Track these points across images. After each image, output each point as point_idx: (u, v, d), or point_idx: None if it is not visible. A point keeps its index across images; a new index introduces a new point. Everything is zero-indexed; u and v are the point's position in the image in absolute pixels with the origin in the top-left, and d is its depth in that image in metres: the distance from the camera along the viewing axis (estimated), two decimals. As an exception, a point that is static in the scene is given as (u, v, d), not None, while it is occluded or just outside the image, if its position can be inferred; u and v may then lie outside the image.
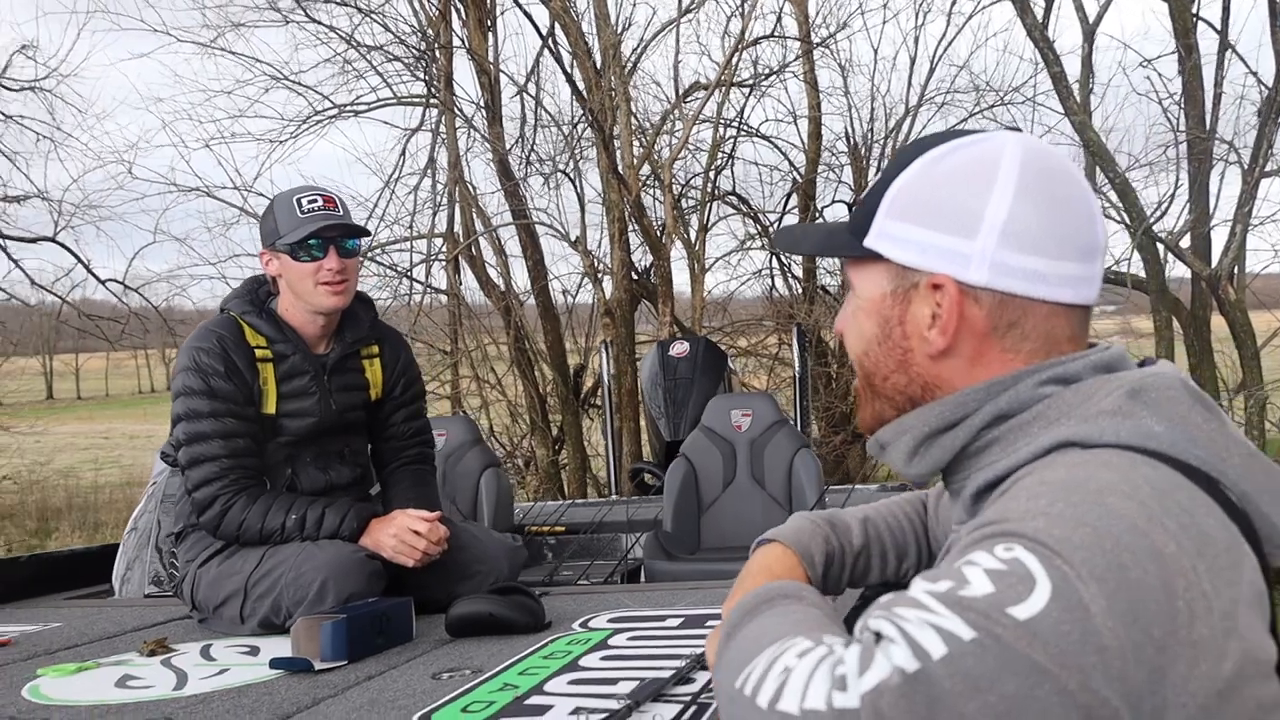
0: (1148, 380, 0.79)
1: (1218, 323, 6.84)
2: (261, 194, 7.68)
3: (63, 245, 8.92)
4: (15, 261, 9.00)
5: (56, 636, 2.14)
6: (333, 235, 2.17)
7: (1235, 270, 6.48)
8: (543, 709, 1.36)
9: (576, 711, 1.32)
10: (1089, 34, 6.87)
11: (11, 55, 8.89)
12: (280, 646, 1.86)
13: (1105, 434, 0.76)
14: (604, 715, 1.28)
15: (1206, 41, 6.58)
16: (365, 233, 2.28)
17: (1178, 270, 6.97)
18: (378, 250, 7.75)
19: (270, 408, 2.21)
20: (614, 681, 1.45)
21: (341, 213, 2.21)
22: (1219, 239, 6.74)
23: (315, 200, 2.19)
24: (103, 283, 9.14)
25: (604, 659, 1.62)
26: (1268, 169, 6.25)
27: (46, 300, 9.82)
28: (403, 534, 2.10)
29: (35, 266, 9.27)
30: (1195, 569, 0.66)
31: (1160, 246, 6.61)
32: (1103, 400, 0.78)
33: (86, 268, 9.06)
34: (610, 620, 1.93)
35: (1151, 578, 0.64)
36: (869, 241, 0.89)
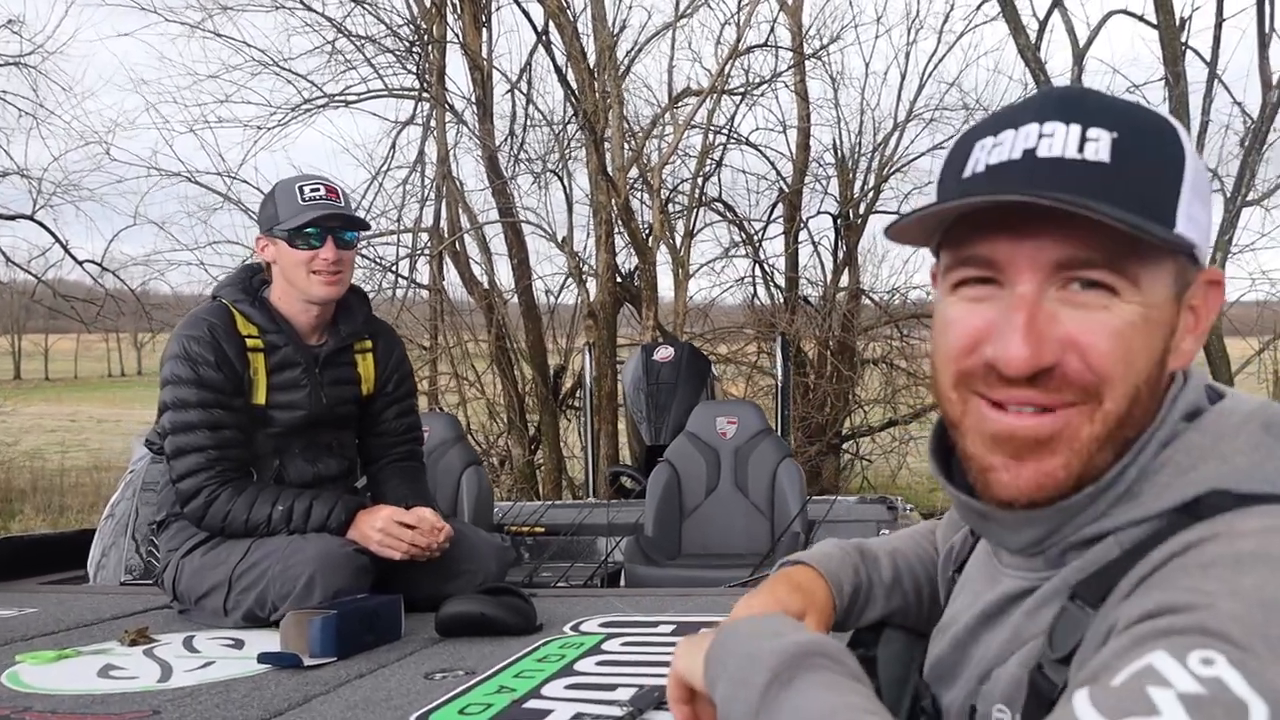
0: (1272, 413, 0.70)
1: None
2: (246, 181, 7.61)
3: (40, 224, 8.78)
4: (-10, 238, 8.86)
5: (33, 622, 2.10)
6: (332, 225, 2.14)
7: (1213, 297, 6.57)
8: (542, 713, 1.34)
9: (578, 717, 1.30)
10: (1079, 57, 6.96)
11: (-5, 29, 8.74)
12: (264, 640, 1.84)
13: (1253, 478, 0.66)
14: (606, 722, 1.27)
15: (1195, 70, 6.68)
16: (365, 226, 2.26)
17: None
18: (362, 243, 7.69)
19: (260, 398, 2.17)
20: (612, 688, 1.44)
21: (343, 204, 2.19)
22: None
23: (318, 189, 2.16)
24: (80, 263, 9.00)
25: (599, 664, 1.61)
26: (1249, 198, 6.35)
27: (19, 278, 9.66)
28: (389, 527, 2.08)
29: (10, 244, 9.14)
30: None
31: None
32: (1236, 439, 0.68)
33: (64, 247, 8.92)
34: (602, 625, 1.91)
35: None
36: (1181, 226, 0.68)
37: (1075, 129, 0.69)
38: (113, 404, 19.00)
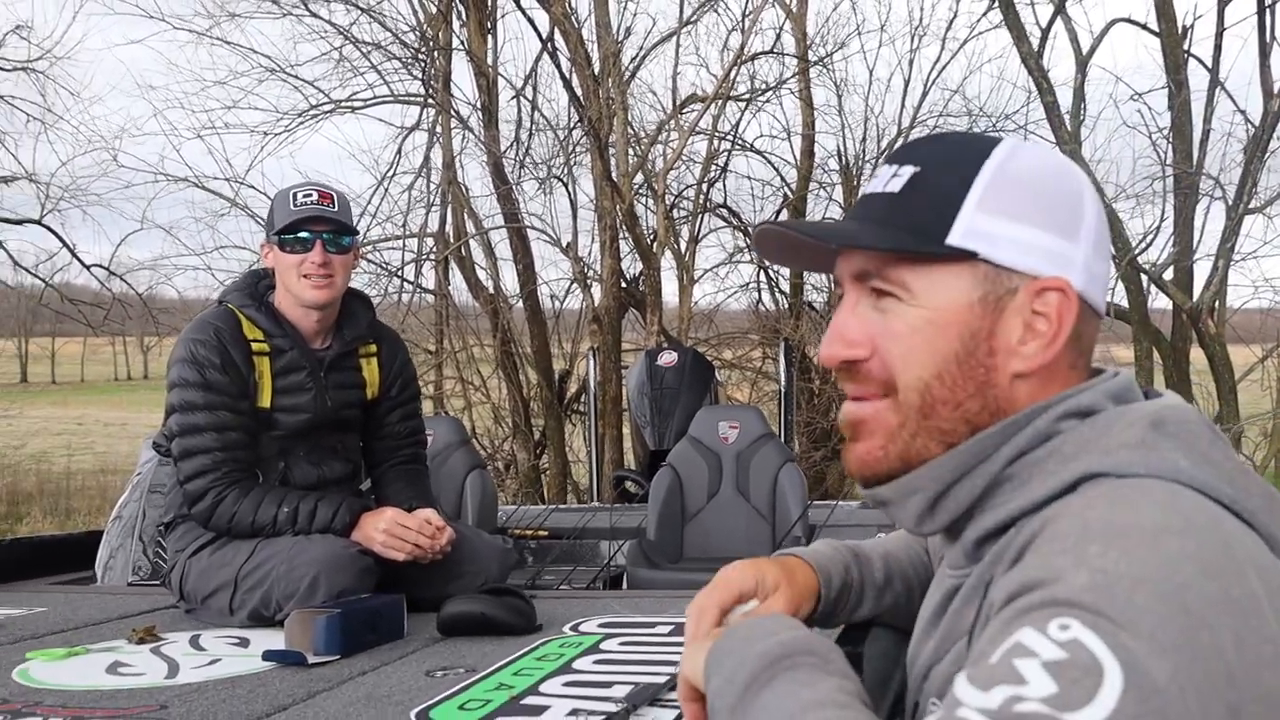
0: (1166, 413, 0.74)
1: (1197, 355, 6.94)
2: (253, 186, 7.66)
3: (48, 228, 8.85)
4: None
5: (42, 621, 2.13)
6: (320, 229, 2.17)
7: (1216, 304, 6.58)
8: (539, 709, 1.37)
9: (574, 713, 1.34)
10: (1082, 65, 6.97)
11: (5, 35, 8.82)
12: (270, 639, 1.87)
13: (1133, 466, 0.69)
14: (601, 717, 1.30)
15: (1197, 78, 6.70)
16: (352, 231, 2.25)
17: (1160, 302, 7.08)
18: (368, 248, 7.73)
19: (265, 402, 2.21)
20: (609, 685, 1.47)
21: (335, 209, 2.21)
22: (1201, 273, 6.86)
23: (310, 195, 2.20)
24: (87, 267, 9.08)
25: (597, 662, 1.64)
26: (1251, 205, 6.36)
27: (27, 282, 9.74)
28: (393, 528, 2.11)
29: (18, 248, 9.19)
30: (1260, 610, 0.60)
31: (1144, 277, 6.71)
32: (1123, 433, 0.72)
33: (72, 252, 9.00)
34: (601, 625, 1.94)
35: (1223, 634, 0.58)
36: (955, 239, 0.76)
37: (892, 168, 0.81)
38: (119, 407, 19.07)
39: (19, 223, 8.86)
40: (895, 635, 1.05)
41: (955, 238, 0.77)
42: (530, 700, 1.42)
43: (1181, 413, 0.75)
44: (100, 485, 10.62)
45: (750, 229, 8.52)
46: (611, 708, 1.32)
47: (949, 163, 0.79)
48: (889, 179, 0.81)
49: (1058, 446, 0.75)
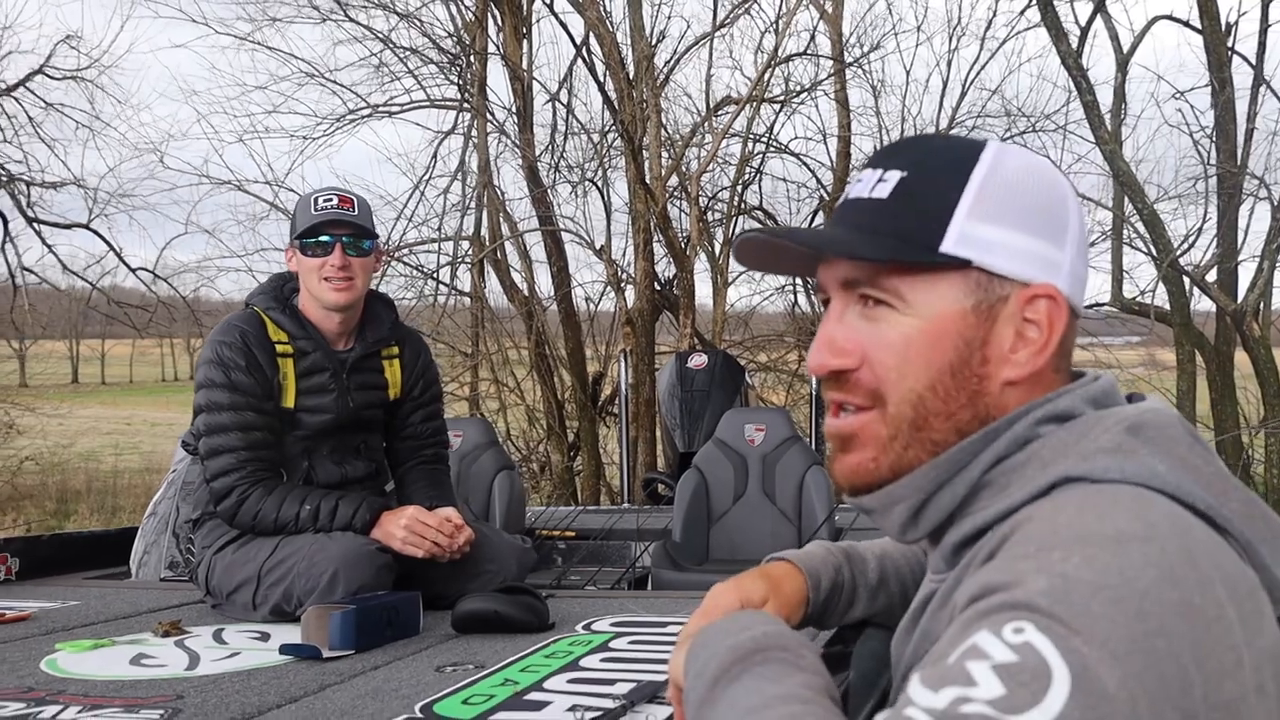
0: (1146, 417, 0.73)
1: (1241, 359, 6.80)
2: (292, 189, 7.80)
3: (95, 232, 9.09)
4: (49, 246, 9.19)
5: (74, 614, 2.20)
6: (340, 233, 2.21)
7: (1261, 306, 6.44)
8: (541, 705, 1.39)
9: (573, 709, 1.35)
10: (1122, 64, 6.87)
11: (55, 45, 9.08)
12: (290, 634, 1.91)
13: (1109, 472, 0.69)
14: (599, 714, 1.31)
15: (1241, 76, 6.57)
16: (371, 234, 2.29)
17: (1203, 304, 6.95)
18: (405, 251, 7.84)
19: (289, 402, 2.25)
20: (612, 682, 1.49)
21: (355, 213, 2.25)
22: (1246, 274, 6.72)
23: (331, 199, 2.24)
24: (133, 271, 9.31)
25: (604, 660, 1.66)
26: (1297, 206, 6.22)
27: (77, 285, 10.00)
28: (413, 525, 2.14)
29: (68, 252, 9.46)
30: (1223, 619, 0.60)
31: (1186, 280, 6.59)
32: (1100, 437, 0.72)
33: (118, 255, 9.23)
34: (612, 624, 1.96)
35: (1179, 642, 0.57)
36: (949, 246, 0.75)
37: (877, 173, 0.79)
38: (166, 407, 19.48)
39: (68, 227, 9.10)
40: (887, 636, 1.05)
41: (949, 245, 0.75)
42: (533, 696, 1.44)
43: (1161, 417, 0.74)
44: (146, 484, 10.85)
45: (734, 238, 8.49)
46: (610, 704, 1.34)
47: (937, 168, 0.78)
48: (874, 184, 0.79)
49: (1036, 451, 0.74)
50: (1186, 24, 6.77)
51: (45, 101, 9.09)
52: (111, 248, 9.19)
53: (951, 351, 0.76)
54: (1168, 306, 6.74)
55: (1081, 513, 0.65)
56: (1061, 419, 0.75)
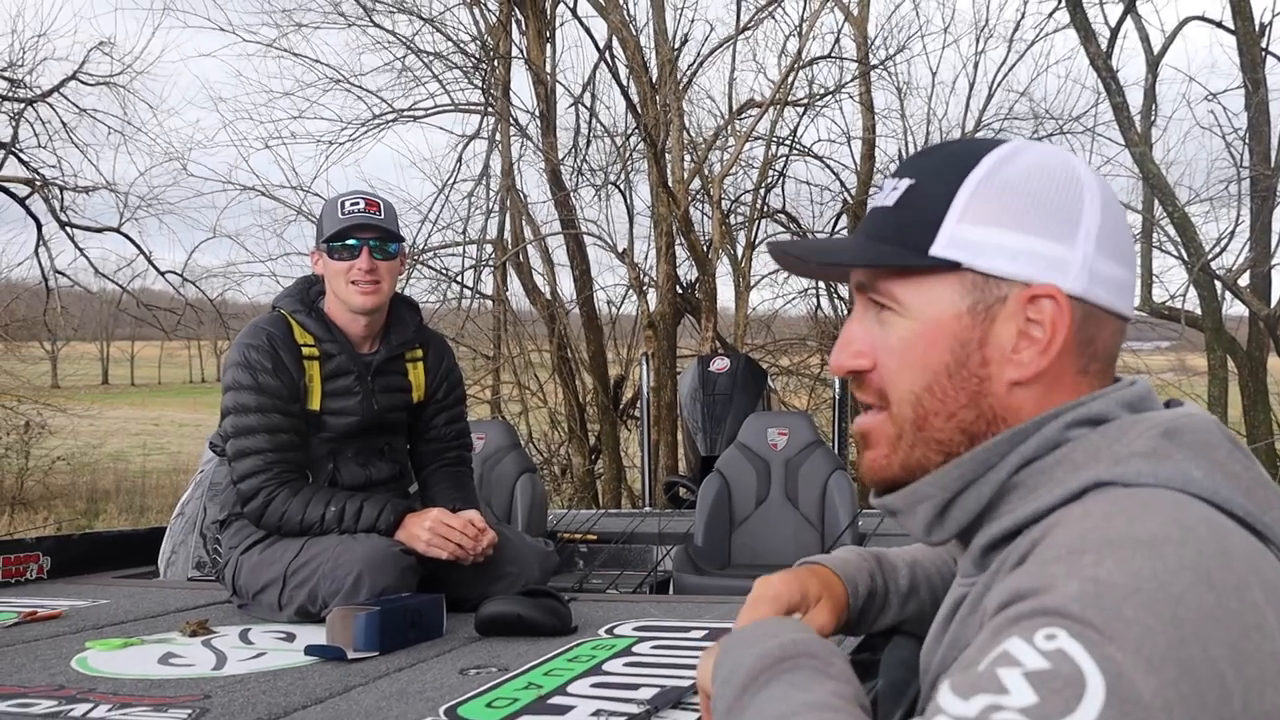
0: (1181, 421, 0.72)
1: (1275, 364, 6.71)
2: (318, 194, 7.88)
3: (126, 236, 9.22)
4: (80, 249, 9.33)
5: (104, 612, 2.23)
6: (367, 237, 2.23)
7: (1294, 311, 6.35)
8: (565, 709, 1.39)
9: (597, 713, 1.35)
10: (1153, 65, 6.80)
11: (89, 51, 9.22)
12: (315, 634, 1.92)
13: (1142, 476, 0.68)
14: (623, 719, 1.31)
15: (1275, 77, 6.51)
16: (397, 238, 2.30)
17: (1235, 309, 6.87)
18: (428, 254, 7.88)
19: (315, 404, 2.27)
20: (635, 687, 1.49)
21: (381, 217, 2.26)
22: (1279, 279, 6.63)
23: (358, 203, 2.26)
24: (162, 274, 9.43)
25: (627, 665, 1.65)
26: (1330, 209, 6.13)
27: (107, 288, 10.14)
28: (437, 527, 2.15)
29: (99, 255, 9.59)
30: (1263, 626, 0.58)
31: (1217, 284, 6.51)
32: (1134, 441, 0.71)
33: (148, 259, 9.36)
34: (635, 628, 1.96)
35: (1216, 648, 0.56)
36: (939, 250, 0.76)
37: (894, 182, 0.81)
38: (194, 409, 19.69)
39: (99, 230, 9.23)
40: (916, 643, 1.04)
41: (939, 248, 0.76)
42: (556, 700, 1.44)
43: (1198, 421, 0.73)
44: (173, 484, 10.99)
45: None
46: (634, 709, 1.33)
47: (937, 173, 0.79)
48: (889, 192, 0.81)
49: (1067, 454, 0.74)
50: (1219, 24, 6.69)
51: (78, 107, 9.23)
52: (141, 251, 9.33)
53: (947, 353, 0.77)
54: (1199, 311, 6.66)
55: (1113, 516, 0.65)
56: (1094, 422, 0.75)
